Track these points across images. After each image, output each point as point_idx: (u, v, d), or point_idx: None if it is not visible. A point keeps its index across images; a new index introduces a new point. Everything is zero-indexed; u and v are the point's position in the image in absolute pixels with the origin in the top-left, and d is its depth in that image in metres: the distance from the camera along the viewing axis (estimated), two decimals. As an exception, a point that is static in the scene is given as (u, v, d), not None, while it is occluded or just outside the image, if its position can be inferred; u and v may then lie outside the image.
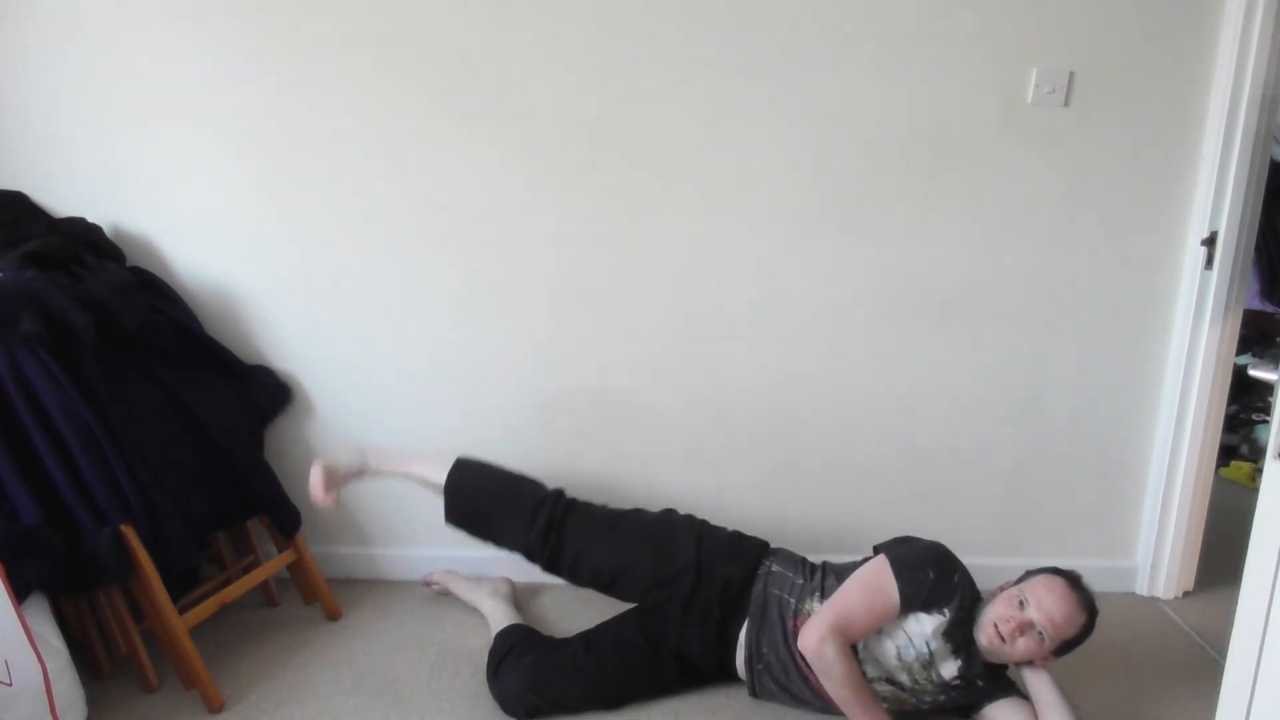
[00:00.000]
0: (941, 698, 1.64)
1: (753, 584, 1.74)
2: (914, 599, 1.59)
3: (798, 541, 1.92)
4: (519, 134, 1.99)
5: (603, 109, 1.98)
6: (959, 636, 1.60)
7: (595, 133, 2.00)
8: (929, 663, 1.60)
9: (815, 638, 1.56)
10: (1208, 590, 2.27)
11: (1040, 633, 1.54)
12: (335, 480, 1.87)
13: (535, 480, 1.88)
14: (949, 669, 1.61)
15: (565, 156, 2.01)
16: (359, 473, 1.94)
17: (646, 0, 1.92)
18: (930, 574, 1.60)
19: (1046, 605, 1.54)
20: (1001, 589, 1.64)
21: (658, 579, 1.75)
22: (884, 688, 1.63)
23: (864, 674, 1.60)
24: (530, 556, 1.80)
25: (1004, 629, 1.54)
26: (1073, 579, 1.60)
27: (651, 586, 1.76)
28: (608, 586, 1.80)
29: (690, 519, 1.84)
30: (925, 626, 1.60)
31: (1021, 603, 1.56)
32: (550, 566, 1.80)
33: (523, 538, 1.79)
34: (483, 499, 1.85)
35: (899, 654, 1.61)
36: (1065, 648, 1.58)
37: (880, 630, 1.62)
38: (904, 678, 1.62)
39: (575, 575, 1.80)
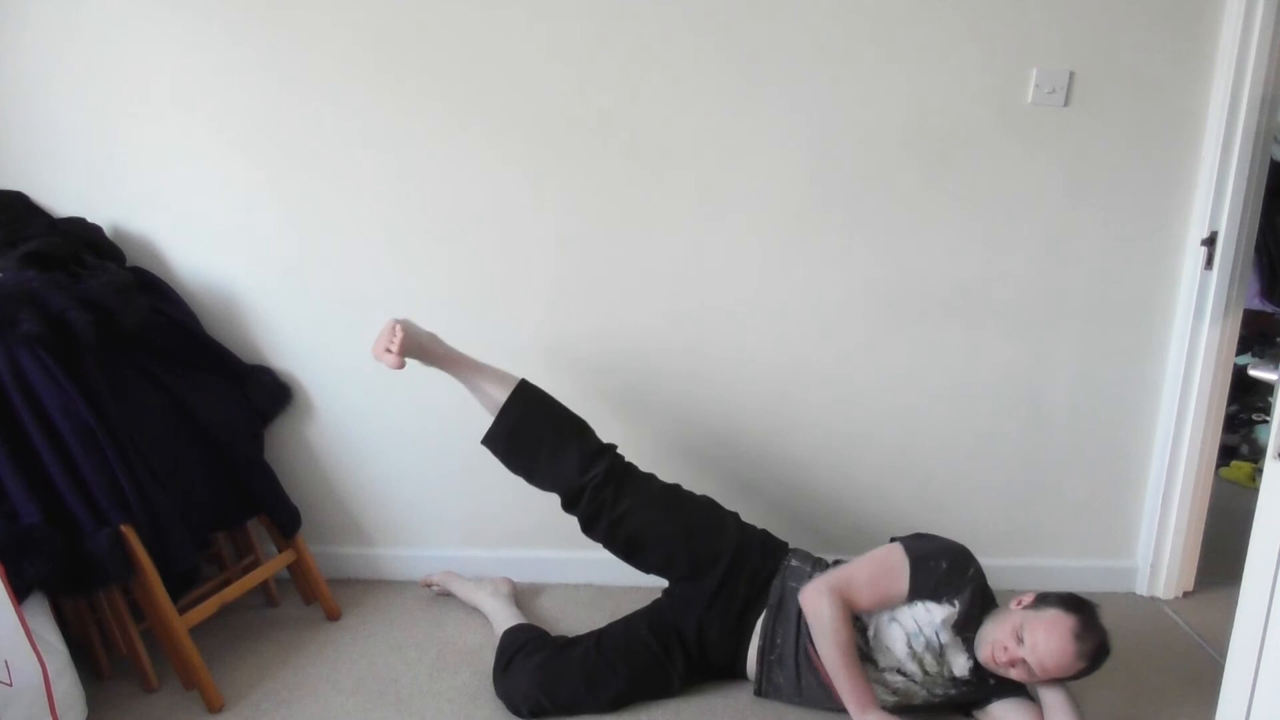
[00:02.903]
0: (952, 691, 1.64)
1: (774, 578, 1.77)
2: (923, 585, 1.61)
3: (799, 540, 1.92)
4: (520, 134, 1.99)
5: (604, 109, 1.98)
6: (969, 633, 1.61)
7: (596, 132, 2.00)
8: (939, 655, 1.61)
9: (814, 592, 1.59)
10: (1208, 590, 2.27)
11: (1030, 670, 1.53)
12: (406, 343, 1.76)
13: (591, 429, 1.84)
14: (960, 664, 1.61)
15: (566, 156, 2.01)
16: (422, 350, 1.82)
17: (649, 2, 1.93)
18: (944, 564, 1.63)
19: (1040, 650, 1.50)
20: (1018, 603, 1.61)
21: (696, 557, 1.75)
22: (895, 678, 1.63)
23: (875, 663, 1.62)
24: (571, 501, 1.76)
25: (999, 657, 1.54)
26: (1082, 625, 1.52)
27: (681, 563, 1.76)
28: (634, 552, 1.79)
29: (736, 516, 1.86)
30: (935, 616, 1.60)
31: (1020, 639, 1.52)
32: (589, 518, 1.76)
33: (573, 479, 1.74)
34: (540, 429, 1.79)
35: (909, 642, 1.61)
36: (1069, 680, 1.56)
37: (891, 618, 1.63)
38: (914, 667, 1.62)
39: (612, 533, 1.76)
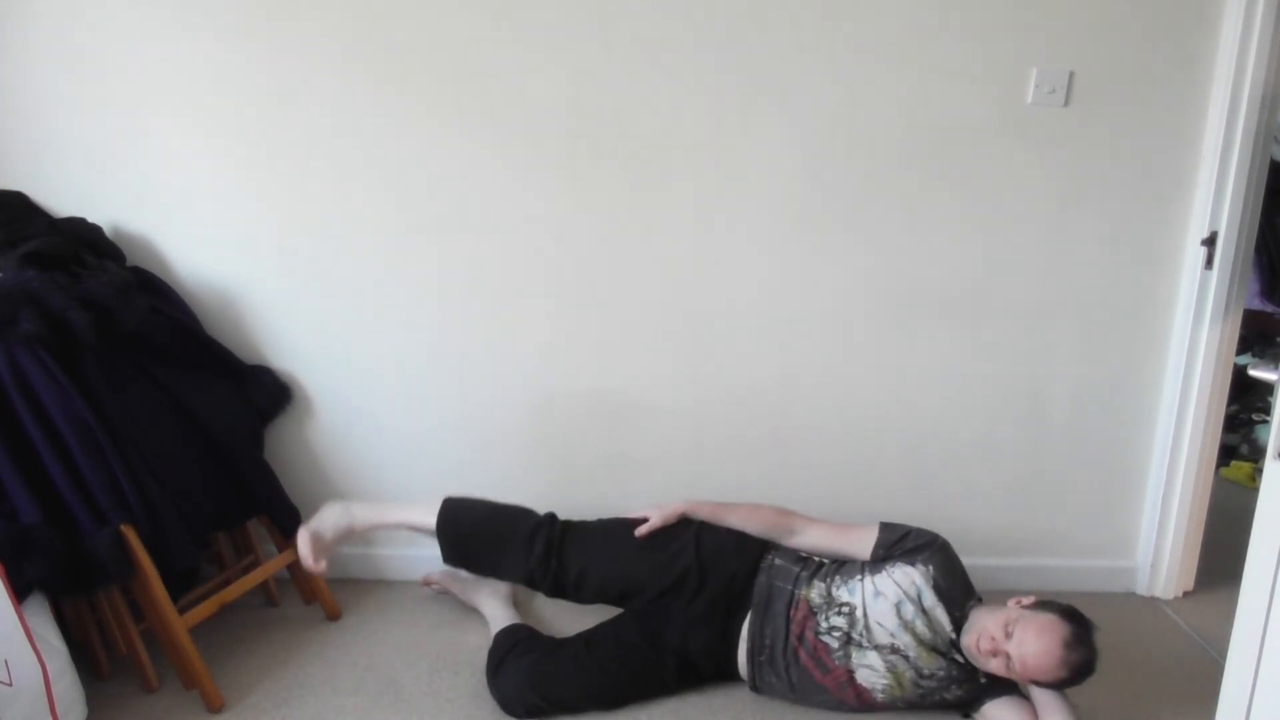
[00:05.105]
0: (940, 674, 1.64)
1: (756, 577, 1.76)
2: (890, 540, 1.74)
3: (798, 541, 1.92)
4: (518, 135, 1.99)
5: (602, 109, 1.98)
6: (951, 606, 1.64)
7: (595, 133, 2.00)
8: (929, 619, 1.63)
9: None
10: (1208, 590, 2.27)
11: (1010, 665, 1.54)
12: (324, 547, 1.82)
13: (525, 508, 1.85)
14: (949, 627, 1.63)
15: (564, 157, 2.01)
16: (347, 534, 1.86)
17: (647, 6, 1.93)
18: (910, 529, 1.75)
19: (1024, 648, 1.51)
20: (1017, 602, 1.62)
21: (663, 585, 1.75)
22: (891, 658, 1.64)
23: (867, 645, 1.64)
24: (533, 584, 1.79)
25: (982, 644, 1.56)
26: (1074, 636, 1.52)
27: (658, 593, 1.76)
28: (617, 600, 1.81)
29: (686, 520, 1.84)
30: (914, 577, 1.66)
31: (1009, 632, 1.54)
32: (555, 590, 1.78)
33: (523, 567, 1.77)
34: (476, 536, 1.82)
35: (898, 610, 1.64)
36: (1047, 685, 1.56)
37: (876, 592, 1.66)
38: (907, 638, 1.63)
39: (581, 594, 1.79)
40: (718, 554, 1.78)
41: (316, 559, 1.79)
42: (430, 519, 1.81)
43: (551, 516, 1.83)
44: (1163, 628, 2.13)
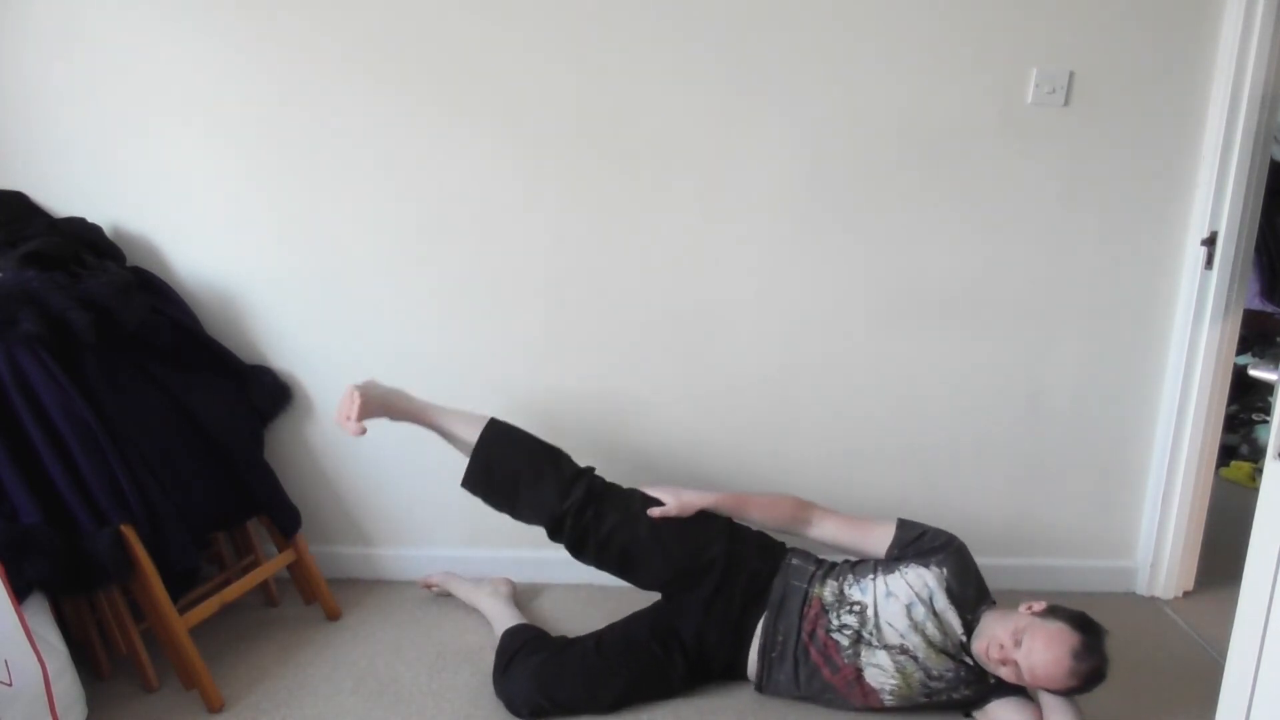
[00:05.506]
0: (949, 673, 1.64)
1: (775, 578, 1.77)
2: (907, 539, 1.74)
3: (798, 541, 1.91)
4: (516, 134, 1.99)
5: (599, 109, 1.98)
6: (963, 610, 1.64)
7: (592, 133, 2.00)
8: (940, 622, 1.62)
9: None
10: (1208, 590, 2.27)
11: (1019, 674, 1.54)
12: (362, 407, 1.75)
13: (566, 453, 1.84)
14: (956, 625, 1.63)
15: (562, 156, 2.01)
16: (386, 409, 1.83)
17: (644, 1, 1.93)
18: (928, 529, 1.75)
19: (1034, 658, 1.51)
20: (1028, 607, 1.61)
21: (685, 567, 1.75)
22: (900, 658, 1.64)
23: (876, 644, 1.64)
24: (556, 529, 1.76)
25: (992, 652, 1.56)
26: (1083, 646, 1.51)
27: (676, 575, 1.76)
28: (629, 569, 1.79)
29: (720, 516, 1.85)
30: (926, 579, 1.65)
31: (1018, 641, 1.54)
32: (576, 542, 1.76)
33: (554, 508, 1.74)
34: (514, 463, 1.80)
35: (909, 612, 1.63)
36: (1057, 692, 1.56)
37: (889, 593, 1.66)
38: (917, 639, 1.63)
39: (601, 554, 1.77)
40: (745, 550, 1.79)
41: (357, 418, 1.73)
42: (471, 434, 1.81)
43: (592, 469, 1.83)
44: (1163, 628, 2.13)
